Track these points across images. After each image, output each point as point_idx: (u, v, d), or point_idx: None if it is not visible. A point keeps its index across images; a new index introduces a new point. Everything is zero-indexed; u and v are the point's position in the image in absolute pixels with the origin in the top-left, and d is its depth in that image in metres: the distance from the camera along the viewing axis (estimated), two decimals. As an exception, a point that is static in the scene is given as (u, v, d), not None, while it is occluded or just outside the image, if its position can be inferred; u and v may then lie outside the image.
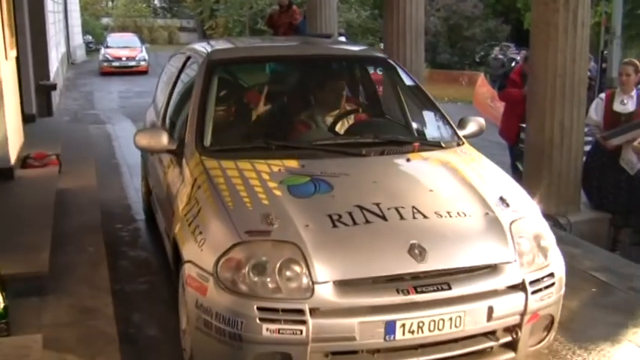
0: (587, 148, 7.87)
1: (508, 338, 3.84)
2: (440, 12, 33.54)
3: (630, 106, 7.50)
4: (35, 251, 5.31)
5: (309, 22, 13.36)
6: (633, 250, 7.40)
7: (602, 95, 7.94)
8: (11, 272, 4.75)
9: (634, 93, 7.57)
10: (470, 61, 34.20)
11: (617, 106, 7.55)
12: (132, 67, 29.52)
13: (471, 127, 5.28)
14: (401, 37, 9.99)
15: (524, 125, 7.96)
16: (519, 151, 8.54)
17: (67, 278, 5.27)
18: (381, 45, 16.86)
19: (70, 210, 6.95)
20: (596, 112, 7.68)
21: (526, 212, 4.18)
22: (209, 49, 5.65)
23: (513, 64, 22.98)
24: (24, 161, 8.27)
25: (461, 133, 5.19)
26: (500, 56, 29.50)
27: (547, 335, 4.08)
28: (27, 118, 10.69)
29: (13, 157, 7.83)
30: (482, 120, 5.40)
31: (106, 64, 29.43)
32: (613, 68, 19.80)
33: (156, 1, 66.86)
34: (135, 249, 6.66)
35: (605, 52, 21.88)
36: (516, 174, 8.30)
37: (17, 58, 10.20)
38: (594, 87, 16.77)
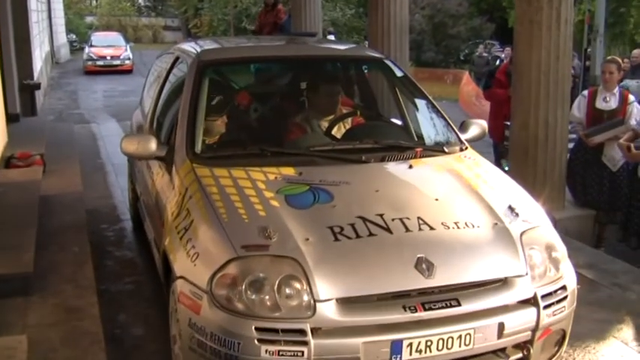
0: (571, 145, 7.90)
1: (519, 355, 3.68)
2: (424, 10, 33.55)
3: (613, 104, 7.54)
4: (20, 251, 5.27)
5: (294, 20, 13.34)
6: (619, 247, 7.43)
7: (585, 93, 7.96)
8: (-4, 272, 4.74)
9: (616, 90, 7.61)
10: (454, 59, 34.22)
11: (599, 104, 7.58)
12: (116, 66, 29.46)
13: (473, 130, 5.10)
14: (385, 36, 9.99)
15: (508, 123, 7.97)
16: (504, 149, 8.56)
17: (52, 278, 5.24)
18: (366, 43, 16.88)
19: (55, 210, 6.92)
20: (578, 109, 7.71)
21: (536, 222, 4.02)
22: (199, 50, 5.45)
23: (498, 62, 23.04)
24: (8, 161, 8.24)
25: (463, 136, 5.01)
26: (485, 54, 29.48)
27: (558, 351, 3.94)
28: (11, 118, 10.65)
29: (-4, 157, 7.80)
30: (484, 123, 5.23)
31: (90, 63, 29.34)
32: (596, 66, 19.89)
33: (140, 0, 66.67)
34: (120, 249, 6.64)
35: (588, 49, 21.97)
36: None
37: (0, 58, 10.16)
38: (578, 84, 16.84)
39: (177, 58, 5.80)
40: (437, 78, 26.34)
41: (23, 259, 5.16)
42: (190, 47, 5.70)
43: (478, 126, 5.16)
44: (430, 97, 5.44)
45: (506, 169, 7.83)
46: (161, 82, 6.04)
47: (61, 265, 5.52)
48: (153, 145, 4.62)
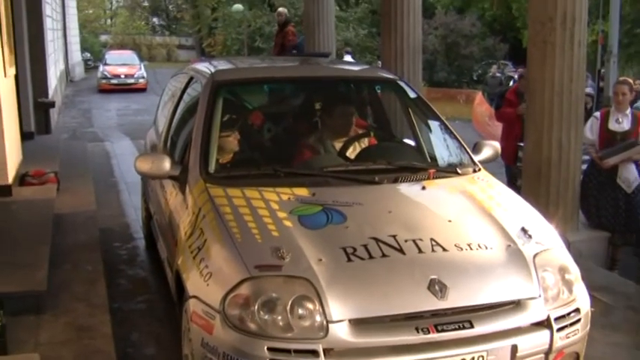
0: (584, 167, 7.86)
1: None
2: (438, 30, 33.64)
3: (625, 125, 7.51)
4: (33, 269, 5.30)
5: (307, 40, 13.37)
6: (633, 269, 7.37)
7: (597, 114, 7.93)
8: (8, 290, 4.74)
9: (629, 112, 7.59)
10: (467, 79, 34.29)
11: (612, 125, 7.55)
12: (130, 84, 29.49)
13: (486, 151, 5.10)
14: (399, 56, 10.00)
15: (522, 144, 7.96)
16: (517, 170, 8.53)
17: (65, 296, 5.26)
18: (379, 63, 16.87)
19: (68, 228, 6.95)
20: (591, 131, 7.67)
21: (549, 244, 4.01)
22: (213, 70, 5.47)
23: (512, 82, 23.04)
24: (22, 179, 8.28)
25: (476, 158, 5.01)
26: (498, 74, 29.54)
27: None
28: (25, 136, 10.72)
29: (11, 175, 7.83)
30: (497, 144, 5.23)
31: (104, 81, 29.41)
32: (610, 87, 19.86)
33: (154, 19, 67.19)
34: (133, 267, 6.65)
35: (602, 70, 21.95)
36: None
37: (16, 76, 10.22)
38: (592, 105, 16.82)
39: (191, 78, 5.83)
40: (450, 98, 26.37)
41: (36, 277, 5.18)
42: (204, 67, 5.72)
43: (491, 147, 5.16)
44: (443, 119, 5.44)
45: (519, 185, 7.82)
46: (175, 102, 6.07)
47: (73, 283, 5.54)
48: (167, 164, 4.64)
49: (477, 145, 5.17)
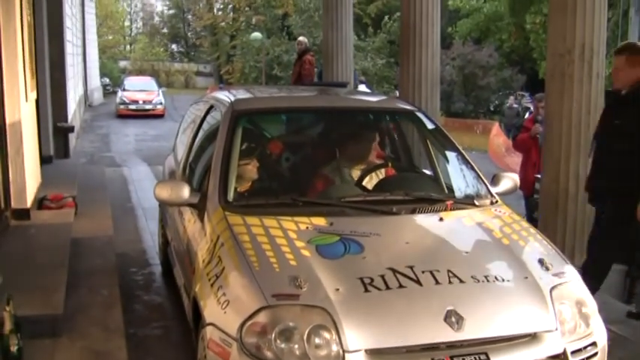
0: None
1: None
2: (455, 61, 33.73)
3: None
4: (50, 292, 5.33)
5: (325, 70, 13.43)
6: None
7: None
8: (26, 313, 4.76)
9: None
10: (484, 109, 34.30)
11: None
12: (148, 110, 29.69)
13: (505, 184, 5.08)
14: (417, 86, 10.05)
15: (539, 176, 7.94)
16: (535, 202, 8.50)
17: (81, 320, 5.28)
18: (397, 93, 16.91)
19: (85, 252, 6.97)
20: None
21: (567, 277, 4.00)
22: (232, 99, 5.49)
23: (527, 114, 23.03)
24: (40, 202, 8.34)
25: (494, 190, 4.99)
26: (515, 105, 29.52)
27: None
28: (44, 160, 10.78)
29: (30, 199, 7.90)
30: (516, 177, 5.23)
31: (122, 106, 29.63)
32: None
33: (173, 46, 67.79)
34: (149, 293, 6.66)
35: (619, 103, 21.87)
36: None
37: (36, 100, 10.33)
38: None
39: (211, 107, 5.86)
40: (467, 128, 26.41)
41: (53, 301, 5.20)
42: (224, 96, 5.75)
43: (510, 180, 5.14)
44: (461, 150, 5.44)
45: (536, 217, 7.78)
46: (195, 130, 6.11)
47: (89, 307, 5.56)
48: (186, 192, 4.66)
49: (495, 177, 5.16)
